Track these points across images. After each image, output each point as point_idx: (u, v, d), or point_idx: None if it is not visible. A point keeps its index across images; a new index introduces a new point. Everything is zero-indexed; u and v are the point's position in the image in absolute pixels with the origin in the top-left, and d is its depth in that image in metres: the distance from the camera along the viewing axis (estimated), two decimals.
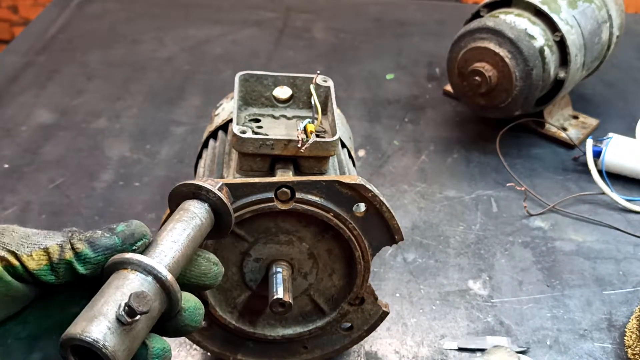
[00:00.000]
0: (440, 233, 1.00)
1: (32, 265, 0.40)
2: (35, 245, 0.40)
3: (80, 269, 0.41)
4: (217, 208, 0.51)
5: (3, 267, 0.39)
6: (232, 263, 0.68)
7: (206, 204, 0.50)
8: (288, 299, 0.63)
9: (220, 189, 0.51)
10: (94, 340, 0.38)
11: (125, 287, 0.41)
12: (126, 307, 0.40)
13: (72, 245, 0.41)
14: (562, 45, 1.07)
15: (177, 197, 0.51)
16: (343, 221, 0.65)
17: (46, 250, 0.40)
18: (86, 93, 1.32)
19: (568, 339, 0.83)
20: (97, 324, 0.39)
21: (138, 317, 0.40)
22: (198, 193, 0.50)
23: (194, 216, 0.49)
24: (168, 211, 0.56)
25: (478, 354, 0.81)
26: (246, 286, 0.69)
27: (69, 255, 0.41)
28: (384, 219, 0.66)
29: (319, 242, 0.67)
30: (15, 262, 0.39)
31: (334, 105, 0.71)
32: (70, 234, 0.42)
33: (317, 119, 0.70)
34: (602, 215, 1.03)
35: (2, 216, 0.99)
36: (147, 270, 0.42)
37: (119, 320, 0.40)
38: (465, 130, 1.23)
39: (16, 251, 0.40)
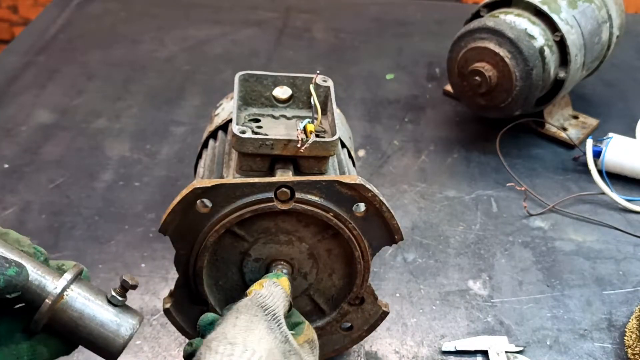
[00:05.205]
0: (440, 233, 1.00)
1: None
2: None
3: None
4: None
5: None
6: (232, 263, 0.68)
7: None
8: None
9: None
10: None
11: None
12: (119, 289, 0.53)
13: None
14: (562, 45, 1.07)
15: None
16: (343, 221, 0.64)
17: None
18: (86, 93, 1.32)
19: (568, 339, 0.83)
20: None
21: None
22: None
23: None
24: (169, 210, 0.58)
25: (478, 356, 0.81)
26: (246, 286, 0.69)
27: None
28: (384, 219, 0.66)
29: (318, 242, 0.67)
30: None
31: (334, 105, 0.71)
32: None
33: (316, 119, 0.70)
34: (602, 215, 1.03)
35: (2, 216, 0.99)
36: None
37: (113, 303, 0.53)
38: (465, 130, 1.23)
39: None
